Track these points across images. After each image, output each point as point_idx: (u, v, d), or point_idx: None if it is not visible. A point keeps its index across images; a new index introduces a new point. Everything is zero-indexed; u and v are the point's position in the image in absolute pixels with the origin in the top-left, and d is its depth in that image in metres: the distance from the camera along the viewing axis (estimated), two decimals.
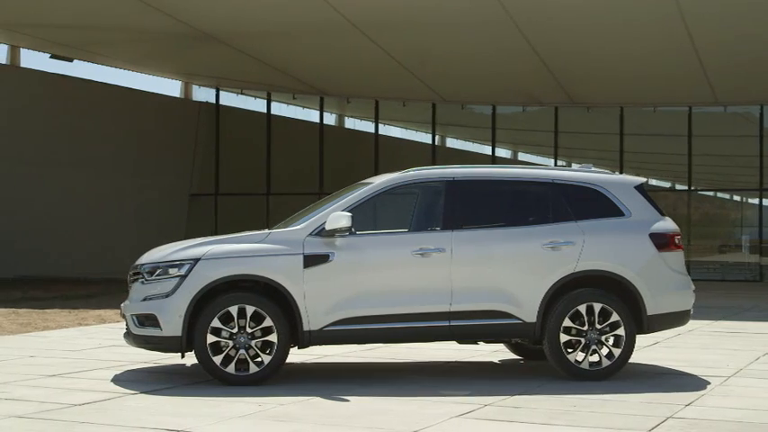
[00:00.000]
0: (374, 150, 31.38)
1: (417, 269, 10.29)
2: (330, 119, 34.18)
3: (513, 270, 10.41)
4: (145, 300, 10.18)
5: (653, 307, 10.56)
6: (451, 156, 32.86)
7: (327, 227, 10.14)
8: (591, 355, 10.44)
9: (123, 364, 11.40)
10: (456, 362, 11.95)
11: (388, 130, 33.87)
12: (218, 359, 9.96)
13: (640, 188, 10.98)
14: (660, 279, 10.63)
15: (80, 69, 29.96)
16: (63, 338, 13.91)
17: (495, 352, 12.48)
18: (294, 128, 33.08)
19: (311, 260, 10.12)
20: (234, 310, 9.98)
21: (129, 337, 10.39)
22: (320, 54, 26.76)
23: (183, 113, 31.99)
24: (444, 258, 10.30)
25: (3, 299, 20.57)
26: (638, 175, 36.33)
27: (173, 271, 10.10)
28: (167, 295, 10.04)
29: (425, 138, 32.44)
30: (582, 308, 10.40)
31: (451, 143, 35.54)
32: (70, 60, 29.12)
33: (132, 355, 11.75)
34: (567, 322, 10.38)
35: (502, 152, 33.12)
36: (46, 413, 8.48)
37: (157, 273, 10.18)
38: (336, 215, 10.12)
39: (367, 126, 32.96)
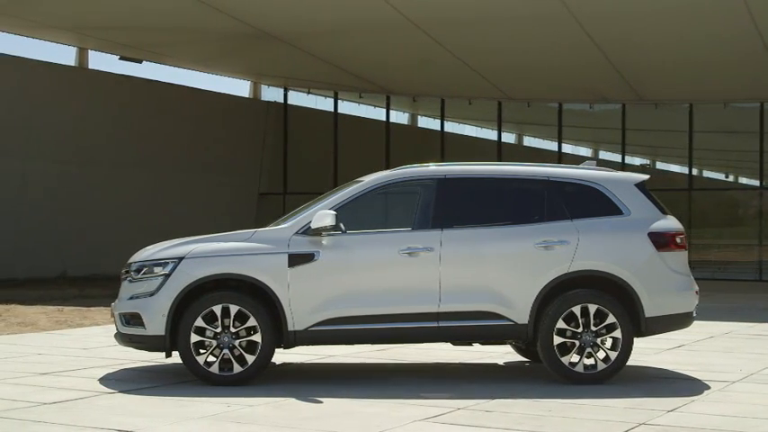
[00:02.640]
0: (440, 148, 31.15)
1: (405, 269, 10.09)
2: (397, 117, 34.07)
3: (504, 270, 10.15)
4: (131, 298, 10.17)
5: (651, 308, 10.20)
6: (519, 153, 32.47)
7: (313, 225, 10.00)
8: (586, 357, 10.13)
9: (123, 362, 11.42)
10: (460, 363, 11.71)
11: (455, 127, 33.63)
12: (201, 359, 9.90)
13: (641, 186, 10.62)
14: (659, 280, 10.27)
15: (149, 70, 30.37)
16: (84, 336, 14.03)
17: (508, 353, 12.21)
18: (361, 126, 33.00)
19: (296, 259, 9.99)
20: (218, 309, 9.90)
21: (118, 335, 10.39)
22: (385, 53, 26.68)
23: (252, 113, 32.16)
24: (432, 258, 10.08)
25: (58, 297, 20.90)
26: (724, 172, 35.68)
27: (157, 270, 10.07)
28: (151, 294, 10.00)
29: (492, 135, 32.04)
30: (576, 309, 10.10)
31: (518, 141, 35.10)
32: (139, 62, 29.47)
33: (137, 353, 11.72)
34: (560, 324, 10.08)
35: (569, 149, 32.59)
36: (9, 412, 8.48)
37: (143, 271, 10.17)
38: (321, 214, 9.98)
39: (433, 124, 32.73)
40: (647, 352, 12.48)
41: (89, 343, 13.24)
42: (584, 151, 34.89)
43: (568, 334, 10.10)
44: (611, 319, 10.09)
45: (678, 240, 10.46)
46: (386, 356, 12.12)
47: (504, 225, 10.30)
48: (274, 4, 22.91)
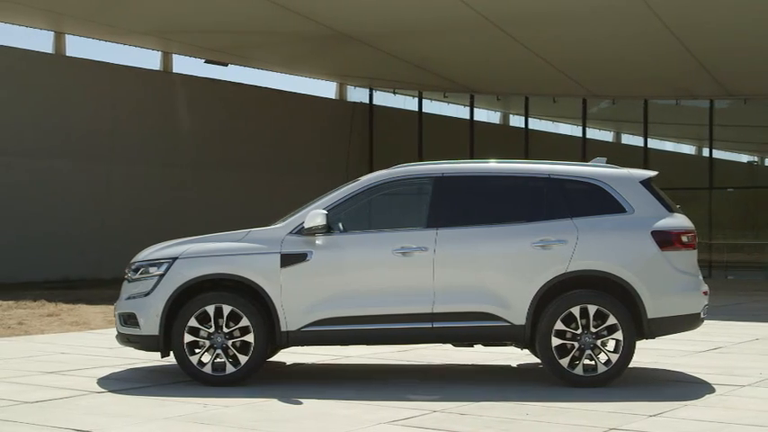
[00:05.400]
0: (524, 146, 30.80)
1: (398, 269, 9.93)
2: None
3: (500, 270, 9.91)
4: (128, 299, 10.24)
5: (654, 310, 9.85)
6: (603, 149, 31.85)
7: (306, 225, 9.94)
8: (587, 360, 9.82)
9: (136, 362, 11.50)
10: (472, 365, 11.50)
11: (540, 124, 33.22)
12: (195, 359, 9.92)
13: (647, 183, 10.26)
14: (663, 280, 9.91)
15: (234, 73, 30.72)
16: None
17: (527, 355, 11.93)
18: (446, 125, 32.82)
19: (288, 259, 9.92)
20: (211, 309, 9.90)
21: (118, 335, 10.48)
22: (468, 53, 26.53)
23: (337, 114, 32.29)
24: (426, 257, 9.90)
25: None
26: None
27: (152, 270, 10.12)
28: (147, 294, 10.05)
29: (577, 132, 31.57)
30: (575, 310, 9.80)
31: (603, 137, 34.42)
32: (225, 65, 29.87)
33: (154, 354, 11.76)
34: (559, 325, 9.80)
35: (655, 145, 31.84)
36: None
37: (140, 271, 10.23)
38: (313, 213, 9.91)
39: (518, 121, 32.43)
40: (675, 354, 12.14)
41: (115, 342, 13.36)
42: (671, 146, 34.14)
43: (567, 336, 9.82)
44: (611, 320, 9.78)
45: (685, 239, 10.07)
46: (403, 358, 11.97)
47: (502, 224, 10.06)
48: (351, 7, 22.94)
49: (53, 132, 25.63)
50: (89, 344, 13.34)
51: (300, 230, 10.00)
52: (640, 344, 10.97)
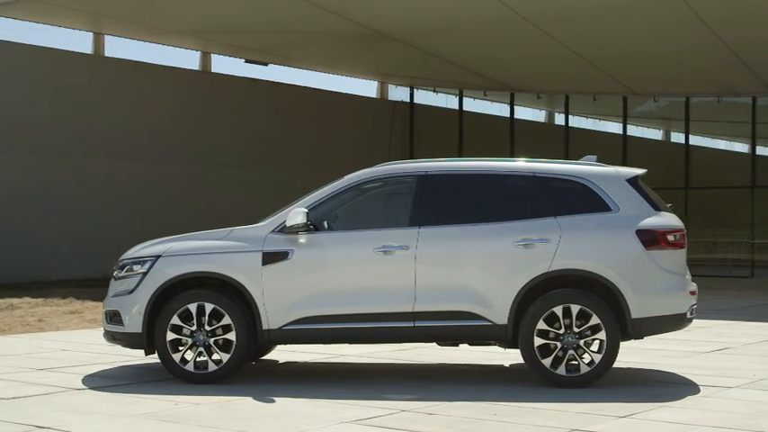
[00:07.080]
0: (565, 144, 30.55)
1: (379, 267, 9.88)
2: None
3: (481, 269, 9.81)
4: (114, 296, 10.31)
5: (638, 309, 9.68)
6: (643, 147, 31.51)
7: (287, 224, 9.93)
8: (570, 360, 9.69)
9: (129, 359, 11.57)
10: (466, 365, 11.41)
11: (581, 122, 32.95)
12: (177, 356, 9.95)
13: (634, 181, 10.10)
14: (647, 279, 9.74)
15: (275, 73, 30.85)
16: None
17: None
18: (487, 123, 32.67)
19: (270, 257, 9.92)
20: (193, 307, 9.93)
21: (105, 333, 10.55)
22: (508, 52, 26.44)
23: (378, 113, 32.27)
24: (408, 256, 9.83)
25: None
26: None
27: (136, 268, 10.18)
28: (131, 292, 10.10)
29: (617, 129, 31.25)
30: (558, 310, 9.67)
31: (645, 134, 33.99)
32: (265, 64, 29.99)
33: None
34: (542, 325, 9.67)
35: (697, 142, 31.37)
36: None
37: (126, 269, 10.29)
38: (295, 212, 9.92)
39: (558, 119, 32.19)
40: (674, 355, 11.97)
41: None
42: (712, 144, 33.68)
43: (550, 335, 9.69)
44: (594, 320, 9.63)
45: (671, 238, 9.89)
46: (399, 357, 11.91)
47: (484, 223, 9.96)
48: (390, 7, 22.93)
49: (92, 133, 25.92)
50: (95, 341, 13.41)
51: (282, 229, 10.00)
52: (639, 343, 10.92)
